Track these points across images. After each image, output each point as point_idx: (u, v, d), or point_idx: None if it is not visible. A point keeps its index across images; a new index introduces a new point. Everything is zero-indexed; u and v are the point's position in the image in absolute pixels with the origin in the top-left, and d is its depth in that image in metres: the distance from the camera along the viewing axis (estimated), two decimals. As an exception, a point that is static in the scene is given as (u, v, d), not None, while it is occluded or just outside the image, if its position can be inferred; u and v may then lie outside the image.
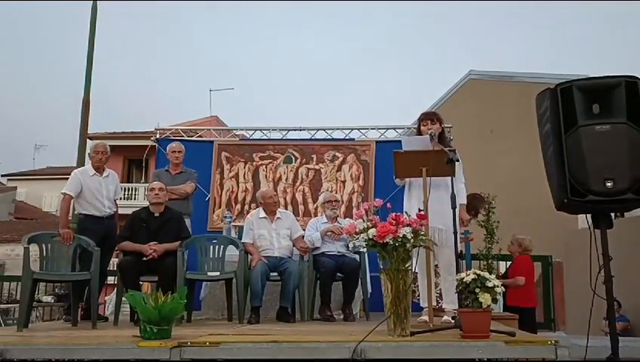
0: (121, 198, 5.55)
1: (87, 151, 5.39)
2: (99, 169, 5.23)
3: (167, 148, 6.09)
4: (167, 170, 5.87)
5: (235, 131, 8.23)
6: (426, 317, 4.00)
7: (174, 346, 2.89)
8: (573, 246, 9.22)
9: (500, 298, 3.19)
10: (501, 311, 5.37)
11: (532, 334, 3.79)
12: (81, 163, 7.38)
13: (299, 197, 7.07)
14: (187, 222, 5.49)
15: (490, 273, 3.39)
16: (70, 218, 5.49)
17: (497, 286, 3.04)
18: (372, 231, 3.21)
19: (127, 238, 4.77)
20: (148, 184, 5.41)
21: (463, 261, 5.32)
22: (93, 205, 5.09)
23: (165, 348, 2.89)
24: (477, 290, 3.01)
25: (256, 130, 7.52)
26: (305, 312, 4.96)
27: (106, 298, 6.98)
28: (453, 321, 3.78)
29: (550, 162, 3.44)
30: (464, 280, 3.07)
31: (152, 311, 3.18)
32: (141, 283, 4.87)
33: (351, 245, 4.89)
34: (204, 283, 5.43)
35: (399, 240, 3.15)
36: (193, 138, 7.46)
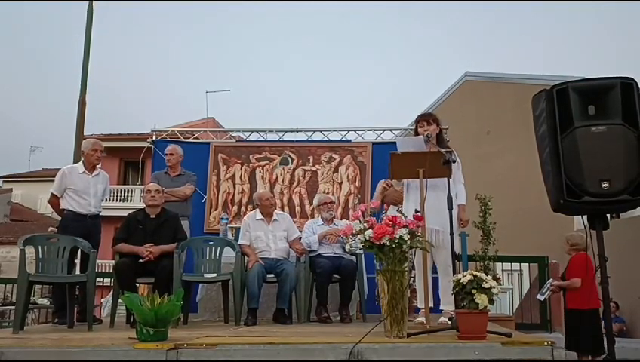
0: (107, 200, 5.48)
1: (82, 148, 5.32)
2: (93, 167, 5.22)
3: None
4: (166, 173, 5.87)
5: (231, 133, 8.23)
6: (422, 319, 4.00)
7: (171, 348, 2.89)
8: (569, 247, 9.23)
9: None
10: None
11: (528, 335, 3.77)
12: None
13: (295, 198, 7.07)
14: (186, 223, 5.50)
15: (487, 274, 3.39)
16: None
17: (494, 288, 3.04)
18: (369, 233, 3.22)
19: (123, 240, 4.75)
20: (144, 186, 5.39)
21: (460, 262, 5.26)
22: (78, 202, 5.06)
23: (162, 350, 2.89)
24: (474, 291, 3.01)
25: (252, 132, 7.51)
26: (302, 314, 4.96)
27: (102, 300, 6.97)
28: (449, 322, 3.78)
29: (546, 163, 3.44)
30: (461, 281, 3.07)
31: (149, 313, 3.18)
32: (137, 284, 4.85)
33: (347, 246, 4.90)
34: (200, 284, 5.42)
35: (396, 241, 3.16)
36: (190, 139, 7.46)
